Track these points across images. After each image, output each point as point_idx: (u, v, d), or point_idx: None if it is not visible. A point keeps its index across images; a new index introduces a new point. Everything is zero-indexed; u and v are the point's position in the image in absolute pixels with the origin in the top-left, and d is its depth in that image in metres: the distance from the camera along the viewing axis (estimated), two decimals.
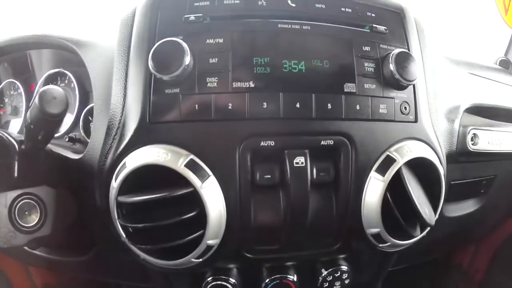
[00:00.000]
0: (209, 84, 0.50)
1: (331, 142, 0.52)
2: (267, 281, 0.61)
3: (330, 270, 0.63)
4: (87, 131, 0.72)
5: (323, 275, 0.63)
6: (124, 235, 0.50)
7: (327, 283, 0.64)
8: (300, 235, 0.54)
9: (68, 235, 0.65)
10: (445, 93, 0.69)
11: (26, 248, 0.67)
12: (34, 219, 0.55)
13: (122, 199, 0.48)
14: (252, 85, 0.50)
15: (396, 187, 0.53)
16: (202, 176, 0.48)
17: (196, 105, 0.50)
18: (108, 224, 0.54)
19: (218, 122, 0.50)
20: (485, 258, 1.12)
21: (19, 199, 0.53)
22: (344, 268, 0.64)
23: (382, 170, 0.53)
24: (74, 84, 0.77)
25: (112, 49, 0.59)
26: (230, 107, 0.50)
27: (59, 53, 0.77)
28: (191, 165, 0.48)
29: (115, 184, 0.49)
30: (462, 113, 0.70)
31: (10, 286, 1.01)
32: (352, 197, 0.54)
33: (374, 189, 0.53)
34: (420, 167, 0.55)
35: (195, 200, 0.48)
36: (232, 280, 0.61)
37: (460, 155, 0.68)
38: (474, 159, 0.73)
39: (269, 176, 0.51)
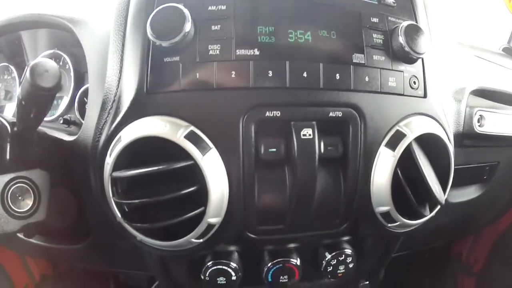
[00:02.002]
0: (211, 52, 0.46)
1: (339, 114, 0.48)
2: (269, 265, 0.57)
3: (334, 253, 0.59)
4: (82, 113, 0.68)
5: (327, 259, 0.59)
6: (119, 215, 0.46)
7: (331, 267, 0.60)
8: (306, 215, 0.50)
9: (63, 222, 0.62)
10: (451, 73, 0.66)
11: (21, 236, 0.64)
12: (27, 204, 0.52)
13: (117, 174, 0.44)
14: (256, 52, 0.46)
15: (406, 164, 0.49)
16: (203, 149, 0.44)
17: (197, 74, 0.46)
18: (103, 207, 0.50)
19: (221, 91, 0.46)
20: (484, 249, 1.10)
21: (11, 183, 0.50)
22: (348, 251, 0.60)
23: (392, 145, 0.49)
24: (69, 65, 0.73)
25: (107, 27, 0.55)
26: (233, 76, 0.46)
27: (53, 34, 0.74)
28: (191, 137, 0.44)
29: (109, 159, 0.45)
30: (468, 95, 0.67)
31: (7, 277, 0.98)
32: (361, 173, 0.50)
33: (384, 165, 0.49)
34: (429, 145, 0.52)
35: (195, 175, 0.44)
36: (233, 265, 0.56)
37: (466, 138, 0.65)
38: (479, 143, 0.70)
39: (274, 149, 0.47)
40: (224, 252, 0.57)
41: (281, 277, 0.58)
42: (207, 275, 0.57)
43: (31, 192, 0.52)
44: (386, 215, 0.51)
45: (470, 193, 0.77)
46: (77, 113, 0.70)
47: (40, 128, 0.53)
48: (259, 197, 0.48)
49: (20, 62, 0.81)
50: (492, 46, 0.94)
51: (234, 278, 0.57)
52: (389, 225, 0.52)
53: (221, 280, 0.57)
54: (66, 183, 0.58)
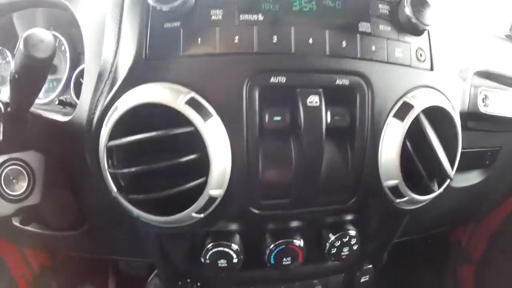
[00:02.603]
0: (213, 17, 0.43)
1: (346, 82, 0.45)
2: (271, 247, 0.54)
3: (338, 235, 0.57)
4: (78, 94, 0.65)
5: (330, 240, 0.57)
6: (114, 189, 0.43)
7: (335, 249, 0.57)
8: (312, 188, 0.47)
9: (59, 207, 0.59)
10: (456, 51, 0.64)
11: (17, 224, 0.62)
12: (21, 186, 0.49)
13: (113, 143, 0.41)
14: (260, 18, 0.44)
15: (414, 136, 0.47)
16: (205, 115, 0.41)
17: (199, 39, 0.43)
18: (99, 185, 0.47)
19: (223, 57, 0.43)
20: (484, 236, 1.08)
21: (5, 165, 0.47)
22: (353, 233, 0.57)
23: (400, 116, 0.47)
24: (64, 47, 0.70)
25: (104, 3, 0.51)
26: (236, 41, 0.43)
27: (48, 15, 0.71)
28: (192, 103, 0.41)
29: (105, 129, 0.42)
30: (472, 75, 0.65)
31: (6, 269, 0.95)
32: (369, 145, 0.47)
33: (392, 136, 0.47)
34: (436, 119, 0.49)
35: (196, 145, 0.41)
36: (235, 246, 0.54)
37: (470, 119, 0.63)
38: (482, 126, 0.67)
39: (279, 118, 0.44)
40: (225, 233, 0.55)
41: (284, 259, 0.55)
42: (207, 257, 0.54)
43: (25, 175, 0.49)
44: (395, 190, 0.48)
45: (472, 178, 0.75)
46: (72, 94, 0.67)
47: (34, 110, 0.51)
48: (264, 168, 0.45)
49: (15, 46, 0.77)
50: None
51: (235, 260, 0.54)
52: (397, 200, 0.49)
53: (222, 262, 0.54)
54: (61, 165, 0.55)
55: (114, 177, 0.43)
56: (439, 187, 0.51)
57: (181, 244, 0.58)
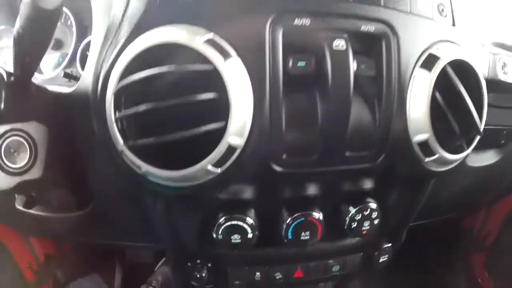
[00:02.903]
0: None
1: (372, 28, 0.42)
2: (289, 221, 0.50)
3: (359, 208, 0.52)
4: (84, 67, 0.60)
5: (351, 214, 0.52)
6: (121, 140, 0.38)
7: (355, 223, 0.53)
8: (339, 142, 0.42)
9: (63, 183, 0.55)
10: (475, 18, 0.60)
11: (20, 208, 0.59)
12: (22, 159, 0.46)
13: (122, 83, 0.37)
14: None
15: (443, 90, 0.43)
16: (225, 55, 0.37)
17: None
18: (106, 161, 0.45)
19: None
20: (496, 222, 1.03)
21: (5, 136, 0.44)
22: (373, 206, 0.53)
23: (427, 66, 0.43)
24: (71, 21, 0.67)
25: None
26: None
27: None
28: (211, 43, 0.36)
29: (115, 72, 0.38)
30: (490, 43, 0.62)
31: (11, 257, 0.91)
32: (397, 97, 0.43)
33: (420, 87, 0.43)
34: (460, 75, 0.45)
35: (214, 87, 0.36)
36: (250, 220, 0.49)
37: (489, 88, 0.58)
38: (500, 101, 0.64)
39: (303, 63, 0.39)
40: (239, 205, 0.50)
41: (303, 234, 0.51)
42: (219, 233, 0.49)
43: (27, 146, 0.46)
44: (424, 146, 0.44)
45: (488, 158, 0.71)
46: (78, 67, 0.63)
47: (40, 83, 0.48)
48: (287, 118, 0.41)
49: None
50: None
51: (250, 235, 0.50)
52: (426, 159, 0.45)
53: (236, 238, 0.50)
54: (66, 138, 0.51)
55: (121, 125, 0.38)
56: (468, 146, 0.47)
57: (191, 218, 0.53)
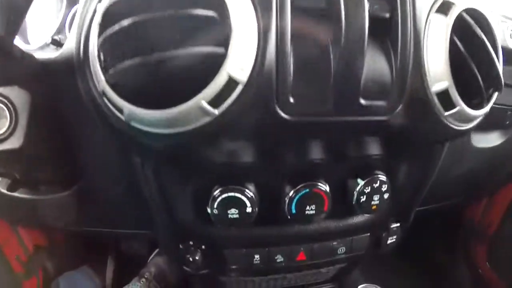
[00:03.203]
0: None
1: None
2: (292, 193, 0.44)
3: (368, 180, 0.46)
4: None
5: (359, 186, 0.46)
6: (102, 76, 0.32)
7: (364, 197, 0.47)
8: (353, 89, 0.35)
9: (47, 155, 0.49)
10: None
11: (4, 191, 0.55)
12: (1, 126, 0.41)
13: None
14: None
15: (460, 37, 0.37)
16: None
17: None
18: (93, 129, 0.40)
19: None
20: (498, 211, 0.98)
21: None
22: (383, 178, 0.47)
23: (442, 11, 0.37)
24: None
25: None
26: None
27: None
28: None
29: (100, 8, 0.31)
30: (497, 14, 0.58)
31: None
32: (413, 39, 0.37)
33: (437, 31, 0.37)
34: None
35: (215, 8, 0.30)
36: (249, 193, 0.43)
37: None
38: (505, 78, 0.58)
39: None
40: (237, 176, 0.44)
41: (308, 208, 0.45)
42: (215, 206, 0.43)
43: (7, 113, 0.41)
44: (444, 97, 0.38)
45: (493, 139, 0.67)
46: (67, 33, 0.57)
47: (26, 50, 0.41)
48: (296, 58, 0.34)
49: None
50: None
51: (249, 210, 0.44)
52: (446, 113, 0.39)
53: (233, 213, 0.44)
54: (51, 107, 0.45)
55: (104, 62, 0.32)
56: (487, 102, 0.42)
57: (183, 187, 0.47)
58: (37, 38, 0.63)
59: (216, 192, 0.43)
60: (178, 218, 0.49)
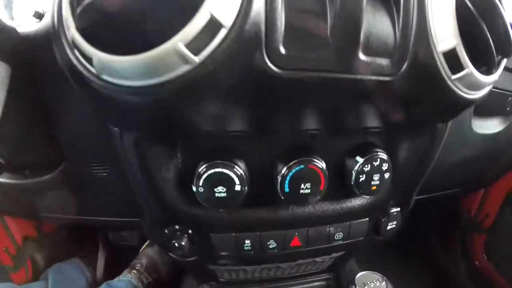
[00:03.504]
0: None
1: None
2: (284, 171, 0.39)
3: (367, 157, 0.42)
4: None
5: (358, 164, 0.42)
6: (72, 21, 0.27)
7: (364, 176, 0.42)
8: (351, 41, 0.30)
9: (27, 131, 0.45)
10: None
11: None
12: None
13: None
14: None
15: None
16: None
17: None
18: (74, 105, 0.38)
19: None
20: (495, 202, 0.94)
21: None
22: (383, 156, 0.42)
23: None
24: None
25: None
26: None
27: None
28: None
29: None
30: None
31: None
32: None
33: None
34: None
35: None
36: (239, 170, 0.38)
37: None
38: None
39: None
40: (225, 150, 0.39)
41: (302, 186, 0.40)
42: (200, 184, 0.38)
43: None
44: (451, 58, 0.33)
45: (493, 125, 0.63)
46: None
47: (8, 24, 0.39)
48: (287, 4, 0.28)
49: None
50: None
51: (238, 188, 0.39)
52: (453, 77, 0.33)
53: (220, 191, 0.39)
54: (32, 83, 0.41)
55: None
56: (497, 68, 0.37)
57: (166, 161, 0.42)
58: (21, 12, 0.58)
59: (202, 168, 0.38)
60: (162, 198, 0.43)
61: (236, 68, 0.27)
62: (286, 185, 0.39)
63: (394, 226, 0.53)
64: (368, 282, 0.41)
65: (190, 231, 0.48)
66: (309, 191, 0.40)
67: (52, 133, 0.45)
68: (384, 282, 0.41)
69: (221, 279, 0.68)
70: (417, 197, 0.58)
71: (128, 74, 0.26)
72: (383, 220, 0.52)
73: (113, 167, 0.46)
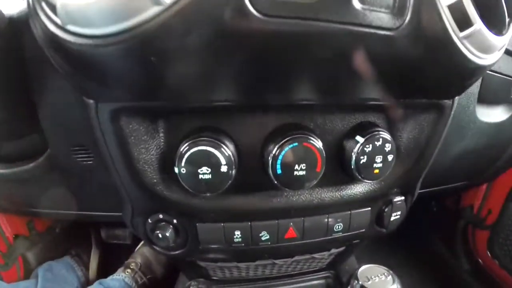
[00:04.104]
0: None
1: None
2: (276, 150, 0.33)
3: (369, 136, 0.36)
4: None
5: (359, 145, 0.36)
6: None
7: (365, 158, 0.36)
8: None
9: (9, 125, 0.42)
10: None
11: None
12: None
13: None
14: None
15: None
16: None
17: None
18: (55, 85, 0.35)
19: None
20: (499, 198, 0.88)
21: None
22: (386, 136, 0.36)
23: None
24: None
25: None
26: None
27: None
28: None
29: None
30: None
31: None
32: None
33: None
34: None
35: None
36: (226, 150, 0.32)
37: None
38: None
39: None
40: (209, 127, 0.33)
41: (297, 167, 0.34)
42: (183, 164, 0.32)
43: None
44: (457, 12, 0.27)
45: (498, 114, 0.58)
46: None
47: None
48: None
49: None
50: None
51: (224, 169, 0.33)
52: (461, 34, 0.28)
53: (205, 172, 0.33)
54: (17, 66, 0.38)
55: None
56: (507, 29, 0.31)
57: (147, 138, 0.35)
58: None
59: (184, 146, 0.32)
60: (142, 182, 0.37)
61: (213, 12, 0.21)
62: (278, 166, 0.33)
63: (398, 217, 0.47)
64: (373, 277, 0.34)
65: (175, 221, 0.41)
66: (304, 173, 0.34)
67: (32, 116, 0.40)
68: (390, 276, 0.35)
69: (214, 277, 0.62)
70: (419, 191, 0.52)
71: (94, 19, 0.21)
72: (386, 210, 0.46)
73: (98, 155, 0.41)
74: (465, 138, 0.56)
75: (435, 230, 1.05)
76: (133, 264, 0.90)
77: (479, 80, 0.48)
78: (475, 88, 0.50)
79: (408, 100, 0.36)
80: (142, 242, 0.95)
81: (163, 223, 0.41)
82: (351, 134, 0.37)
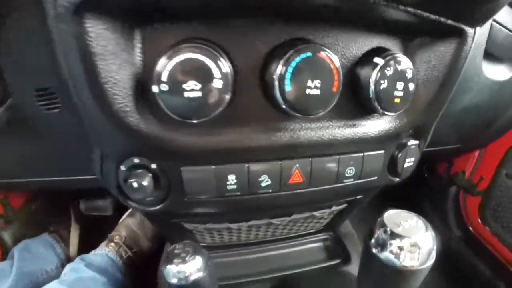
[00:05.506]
0: None
1: None
2: (286, 57, 0.25)
3: (389, 58, 0.29)
4: None
5: (378, 67, 0.29)
6: None
7: (386, 82, 0.29)
8: None
9: None
10: None
11: None
12: None
13: None
14: None
15: None
16: None
17: None
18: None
19: None
20: (491, 164, 0.84)
21: None
22: (407, 61, 0.30)
23: None
24: None
25: None
26: None
27: None
28: None
29: None
30: None
31: None
32: None
33: None
34: None
35: None
36: (221, 61, 0.24)
37: None
38: None
39: None
40: (199, 27, 0.25)
41: (309, 84, 0.26)
42: (164, 78, 0.24)
43: None
44: None
45: (502, 72, 0.54)
46: None
47: None
48: None
49: None
50: None
51: (218, 84, 0.25)
52: None
53: (193, 88, 0.25)
54: None
55: None
56: None
57: (120, 50, 0.26)
58: None
59: (167, 55, 0.24)
60: (112, 110, 0.28)
61: None
62: (288, 80, 0.25)
63: (411, 163, 0.40)
64: (402, 222, 0.28)
65: (153, 166, 0.33)
66: (318, 92, 0.26)
67: None
68: (421, 221, 0.29)
69: (202, 244, 0.54)
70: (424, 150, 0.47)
71: None
72: (399, 155, 0.39)
73: (65, 99, 0.33)
74: (469, 92, 0.52)
75: (426, 197, 1.01)
76: (117, 237, 0.82)
77: (487, 31, 0.45)
78: (483, 38, 0.46)
79: (432, 19, 0.29)
80: (127, 213, 0.86)
81: (140, 170, 0.32)
82: (367, 57, 0.30)
